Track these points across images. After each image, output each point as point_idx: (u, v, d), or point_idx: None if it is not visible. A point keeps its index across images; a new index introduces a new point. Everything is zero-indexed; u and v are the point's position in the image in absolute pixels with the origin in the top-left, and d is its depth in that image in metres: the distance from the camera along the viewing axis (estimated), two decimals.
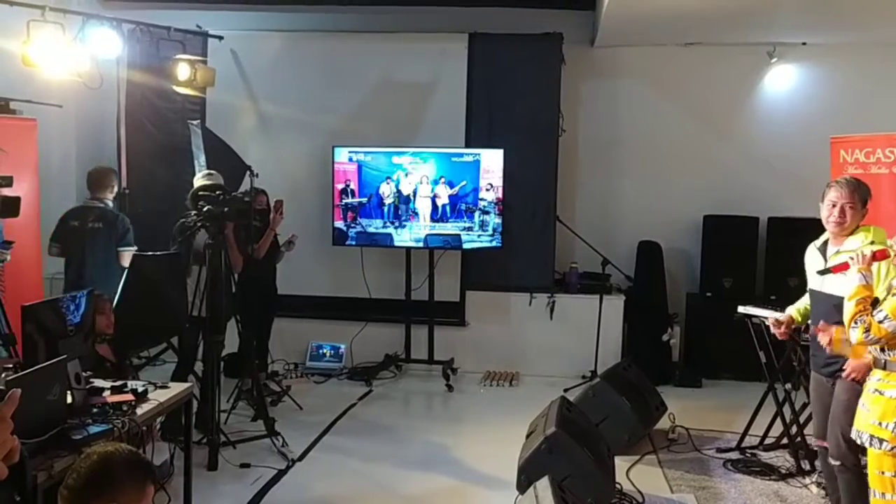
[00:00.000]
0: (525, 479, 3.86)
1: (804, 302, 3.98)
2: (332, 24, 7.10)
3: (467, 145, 6.81)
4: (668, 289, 7.12)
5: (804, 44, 7.01)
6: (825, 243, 3.72)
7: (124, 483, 1.72)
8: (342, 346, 6.83)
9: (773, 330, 4.06)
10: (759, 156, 7.12)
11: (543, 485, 3.25)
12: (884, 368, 3.06)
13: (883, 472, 3.06)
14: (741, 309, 5.17)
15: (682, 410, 5.59)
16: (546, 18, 6.99)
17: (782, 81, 7.21)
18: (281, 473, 4.51)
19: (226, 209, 4.65)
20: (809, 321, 3.87)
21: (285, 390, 5.86)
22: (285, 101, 6.98)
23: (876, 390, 3.08)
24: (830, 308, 3.51)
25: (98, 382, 3.43)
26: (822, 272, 3.54)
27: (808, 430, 4.76)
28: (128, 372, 4.31)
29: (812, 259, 3.78)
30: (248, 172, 5.65)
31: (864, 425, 3.09)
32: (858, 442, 3.14)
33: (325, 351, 6.84)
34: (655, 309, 7.00)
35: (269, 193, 6.03)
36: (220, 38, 6.87)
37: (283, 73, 7.04)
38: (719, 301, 6.49)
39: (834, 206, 3.59)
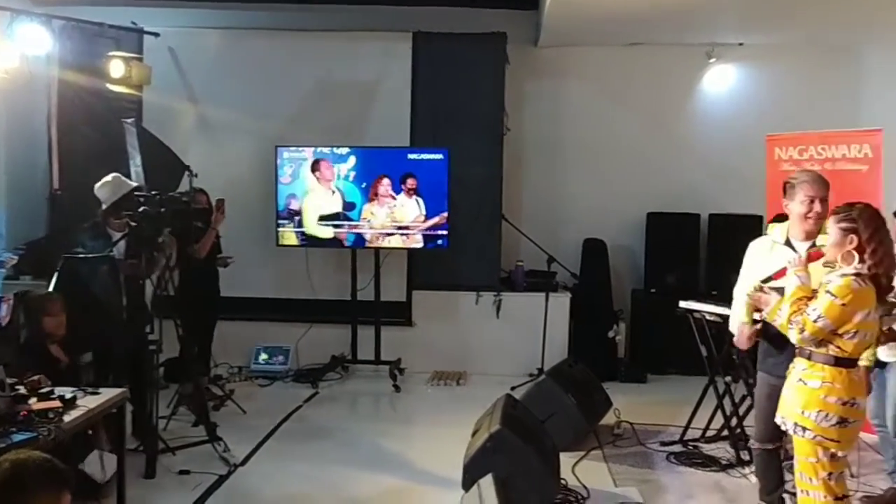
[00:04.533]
0: (470, 478, 3.83)
1: (746, 303, 3.75)
2: (274, 22, 7.01)
3: (412, 145, 6.78)
4: (613, 286, 7.21)
5: (741, 44, 7.18)
6: (788, 239, 3.64)
7: (38, 492, 1.64)
8: (288, 348, 6.73)
9: (740, 342, 3.82)
10: (699, 154, 7.26)
11: (487, 483, 3.23)
12: (808, 359, 3.13)
13: (808, 458, 3.13)
14: (683, 304, 5.27)
15: (628, 406, 5.64)
16: (490, 18, 7.02)
17: (721, 81, 7.37)
18: (222, 479, 4.40)
19: (162, 209, 4.53)
20: (757, 317, 3.83)
21: (228, 394, 5.75)
22: (226, 101, 6.85)
23: (800, 380, 3.14)
24: None
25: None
26: (765, 280, 3.57)
27: (748, 421, 4.88)
28: (81, 372, 4.18)
29: (777, 256, 3.64)
30: (186, 173, 5.52)
31: (788, 413, 3.16)
32: (783, 428, 3.21)
33: (270, 353, 6.73)
34: (601, 306, 7.07)
35: (210, 194, 5.91)
36: (157, 34, 6.70)
37: (224, 72, 6.92)
38: (663, 297, 6.57)
39: (813, 200, 3.52)
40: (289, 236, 6.63)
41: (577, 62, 7.41)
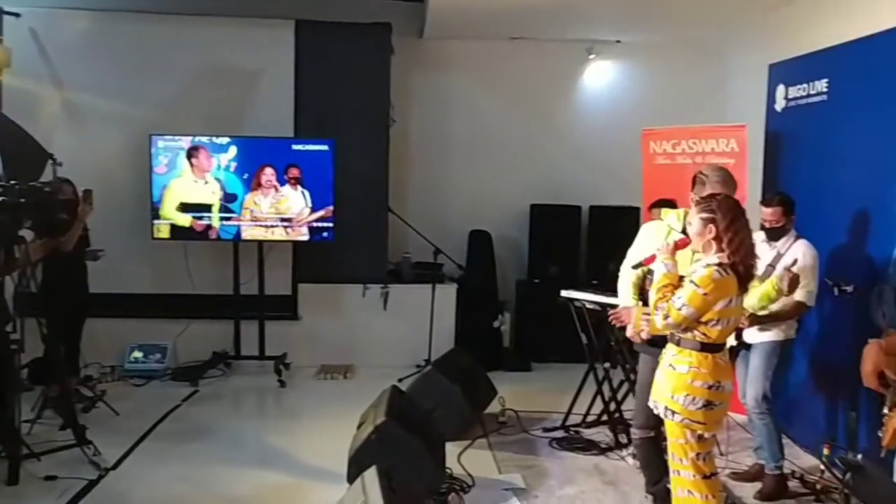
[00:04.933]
0: (355, 471, 3.79)
1: (631, 284, 3.94)
2: (147, 5, 6.64)
3: (296, 135, 6.64)
4: (498, 276, 7.32)
5: (619, 42, 7.42)
6: (685, 228, 3.77)
7: None
8: (165, 346, 6.46)
9: (629, 330, 3.89)
10: (580, 147, 7.46)
11: (371, 475, 3.21)
12: (677, 345, 3.26)
13: (677, 440, 3.27)
14: (564, 293, 5.40)
15: (512, 394, 5.74)
16: (375, 8, 6.96)
17: (600, 77, 7.60)
18: (92, 484, 4.16)
19: (23, 200, 4.24)
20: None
21: (99, 395, 5.45)
22: (95, 87, 6.46)
23: (670, 365, 3.27)
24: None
25: None
26: (636, 266, 3.70)
27: (625, 406, 5.06)
28: None
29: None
30: (49, 161, 5.19)
31: (659, 397, 3.29)
32: (655, 412, 3.34)
33: (145, 351, 6.43)
34: (486, 296, 7.17)
35: (78, 185, 5.56)
36: (17, 14, 6.26)
37: (93, 56, 6.51)
38: (546, 287, 6.71)
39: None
40: (165, 229, 6.35)
41: (462, 55, 7.46)
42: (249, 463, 4.63)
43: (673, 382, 3.23)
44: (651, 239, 3.83)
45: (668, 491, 3.77)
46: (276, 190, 6.34)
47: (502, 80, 7.53)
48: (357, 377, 6.56)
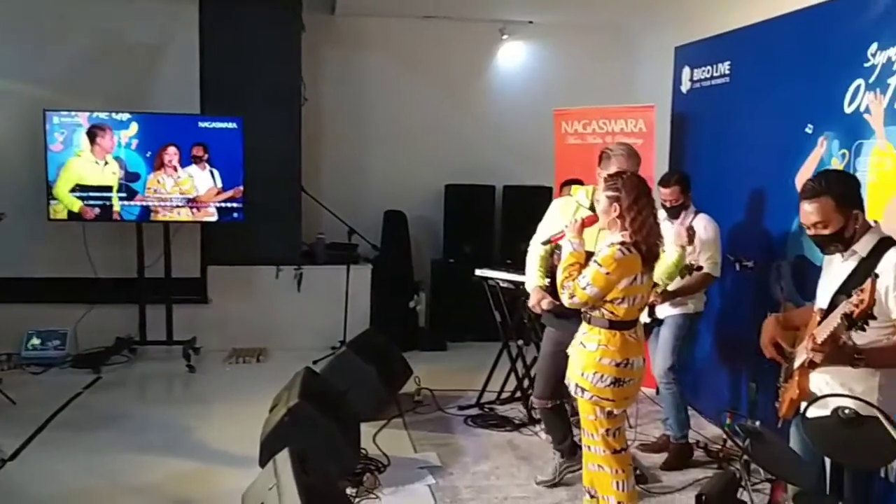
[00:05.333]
0: (267, 454, 3.70)
1: (539, 263, 4.02)
2: None
3: (202, 113, 6.41)
4: (413, 256, 7.30)
5: (531, 22, 7.46)
6: (592, 205, 3.77)
7: None
8: (65, 332, 6.16)
9: (535, 304, 3.99)
10: (494, 127, 7.49)
11: (283, 458, 3.14)
12: (588, 322, 3.31)
13: (588, 416, 3.33)
14: (478, 272, 5.44)
15: (428, 373, 5.75)
16: None
17: (513, 57, 7.64)
18: None
19: None
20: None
21: None
22: None
23: (580, 343, 3.32)
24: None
25: None
26: (544, 243, 3.74)
27: None
28: None
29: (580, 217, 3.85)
30: None
31: (572, 374, 3.34)
32: (569, 389, 3.39)
33: (43, 338, 6.11)
34: (402, 277, 7.14)
35: None
36: None
37: None
38: (461, 266, 6.73)
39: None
40: (61, 210, 6.03)
41: (375, 32, 7.36)
42: (156, 450, 4.48)
43: (583, 360, 3.27)
44: (560, 215, 3.89)
45: (576, 445, 3.99)
46: (176, 170, 6.10)
47: (416, 60, 7.47)
48: (270, 360, 6.43)
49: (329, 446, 3.85)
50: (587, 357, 3.26)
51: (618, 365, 3.21)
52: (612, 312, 3.21)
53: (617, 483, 3.30)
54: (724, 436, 4.39)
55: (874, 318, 2.44)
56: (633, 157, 3.77)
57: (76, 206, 6.03)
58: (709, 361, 5.14)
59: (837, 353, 2.54)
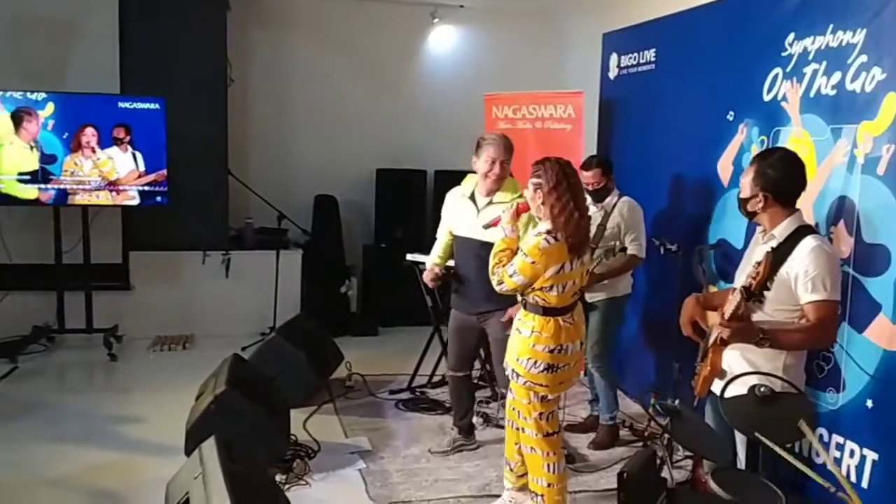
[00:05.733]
0: (193, 443, 3.63)
1: (441, 248, 4.23)
2: None
3: (123, 92, 6.18)
4: (344, 241, 7.23)
5: (462, 6, 7.45)
6: (473, 193, 3.98)
7: None
8: None
9: (427, 281, 4.26)
10: (425, 112, 7.47)
11: (209, 446, 3.08)
12: (525, 308, 3.33)
13: (522, 400, 3.36)
14: (409, 256, 5.43)
15: (360, 358, 5.72)
16: None
17: (444, 41, 7.63)
18: None
19: None
20: (453, 263, 4.18)
21: None
22: None
23: (516, 328, 3.35)
24: (480, 252, 3.80)
25: None
26: (487, 227, 3.77)
27: None
28: None
29: (462, 207, 4.02)
30: None
31: (509, 359, 3.38)
32: (507, 373, 3.42)
33: None
34: (333, 262, 7.08)
35: None
36: None
37: None
38: (393, 251, 6.70)
39: (493, 162, 3.84)
40: None
41: (304, 13, 7.24)
42: (76, 441, 4.33)
43: (518, 346, 3.30)
44: (450, 206, 4.11)
45: (473, 425, 4.33)
46: (94, 152, 5.87)
47: (347, 42, 7.38)
48: (197, 347, 6.29)
49: (257, 433, 3.79)
50: (522, 343, 3.28)
51: (551, 351, 3.23)
52: (543, 299, 3.23)
53: (548, 465, 3.35)
54: (649, 415, 4.51)
55: (768, 289, 2.63)
56: (501, 146, 3.85)
57: (33, 193, 5.80)
58: (635, 343, 5.26)
59: (744, 331, 2.63)
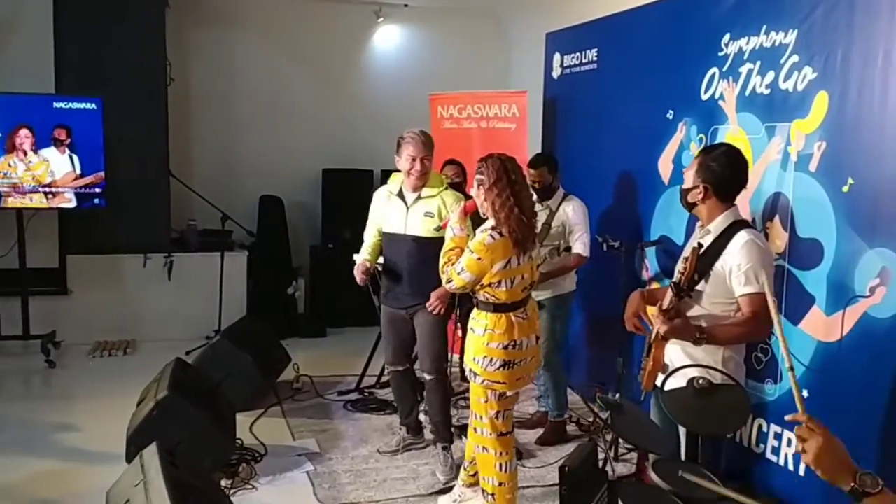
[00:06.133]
0: (134, 450, 3.55)
1: (370, 247, 4.26)
2: None
3: (58, 92, 6.02)
4: (291, 242, 7.17)
5: (406, 6, 7.44)
6: (401, 190, 3.98)
7: None
8: None
9: (357, 278, 4.17)
10: (371, 111, 7.43)
11: (150, 452, 3.02)
12: (477, 307, 3.34)
13: (479, 399, 3.36)
14: (356, 257, 5.37)
15: (307, 360, 5.68)
16: None
17: (389, 40, 7.61)
18: None
19: None
20: (382, 260, 4.22)
21: None
22: None
23: (470, 328, 3.35)
24: (411, 247, 3.89)
25: None
26: (437, 229, 3.77)
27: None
28: None
29: (391, 205, 4.02)
30: None
31: (466, 359, 3.37)
32: (466, 373, 3.42)
33: None
34: (279, 263, 7.01)
35: None
36: None
37: None
38: (340, 251, 6.64)
39: (414, 159, 3.86)
40: None
41: (247, 11, 7.14)
42: (13, 450, 4.21)
43: (473, 345, 3.30)
44: (379, 204, 4.13)
45: (420, 423, 4.34)
46: (26, 154, 5.70)
47: (291, 41, 7.31)
48: (139, 353, 6.15)
49: (201, 438, 3.73)
50: (476, 342, 3.28)
51: (505, 348, 3.22)
52: (493, 296, 3.23)
53: (500, 465, 3.36)
54: (594, 410, 4.56)
55: (696, 283, 2.71)
56: (420, 143, 3.87)
57: None
58: (580, 339, 5.32)
59: (681, 329, 2.69)
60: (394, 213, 4.02)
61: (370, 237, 4.25)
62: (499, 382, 3.27)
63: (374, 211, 4.21)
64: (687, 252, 2.76)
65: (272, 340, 5.48)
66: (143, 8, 6.26)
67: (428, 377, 4.07)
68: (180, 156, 6.80)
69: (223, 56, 7.13)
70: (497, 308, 3.24)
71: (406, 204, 3.98)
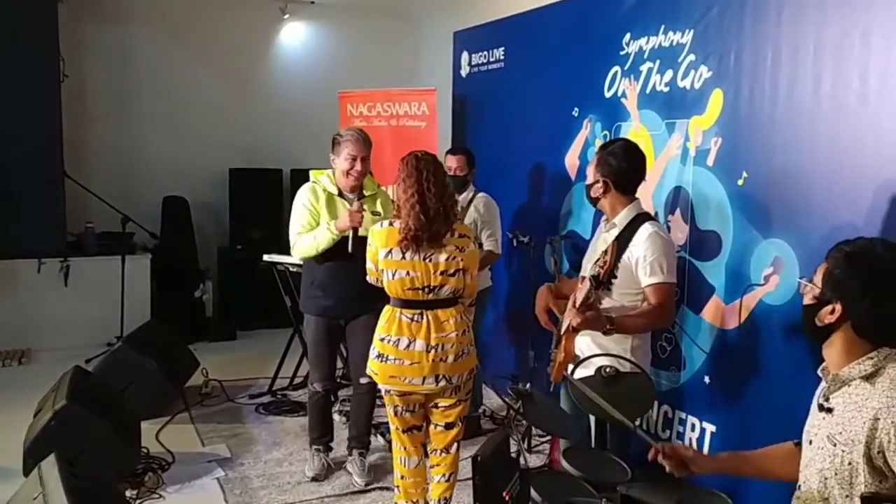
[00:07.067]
0: (32, 462, 3.39)
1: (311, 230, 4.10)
2: None
3: None
4: (198, 244, 6.97)
5: (312, 2, 7.35)
6: (340, 190, 3.89)
7: None
8: None
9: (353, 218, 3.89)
10: (279, 109, 7.31)
11: (49, 463, 2.88)
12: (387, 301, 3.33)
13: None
14: (267, 257, 5.30)
15: (217, 364, 5.54)
16: None
17: (296, 38, 7.51)
18: None
19: None
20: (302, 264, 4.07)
21: None
22: None
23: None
24: (354, 247, 3.74)
25: None
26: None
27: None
28: None
29: (337, 205, 3.87)
30: None
31: None
32: None
33: None
34: (185, 265, 6.80)
35: None
36: None
37: None
38: (249, 252, 6.50)
39: (355, 159, 3.77)
40: None
41: (147, 6, 6.90)
42: None
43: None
44: (313, 203, 3.84)
45: (330, 448, 4.16)
46: None
47: (194, 37, 7.10)
48: (35, 362, 5.86)
49: (103, 448, 3.58)
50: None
51: (382, 339, 3.20)
52: (380, 282, 3.23)
53: (401, 458, 3.36)
54: (507, 403, 4.62)
55: (615, 277, 2.79)
56: (360, 142, 3.79)
57: None
58: (493, 334, 5.38)
59: (593, 320, 2.75)
60: (340, 213, 3.81)
61: (304, 228, 3.83)
62: (373, 372, 3.26)
63: (308, 206, 3.82)
64: (600, 245, 2.83)
65: (178, 345, 5.32)
66: (34, 4, 5.95)
67: (363, 381, 3.88)
68: (76, 156, 6.51)
69: (122, 52, 6.87)
70: (390, 300, 3.23)
71: (349, 203, 3.85)
